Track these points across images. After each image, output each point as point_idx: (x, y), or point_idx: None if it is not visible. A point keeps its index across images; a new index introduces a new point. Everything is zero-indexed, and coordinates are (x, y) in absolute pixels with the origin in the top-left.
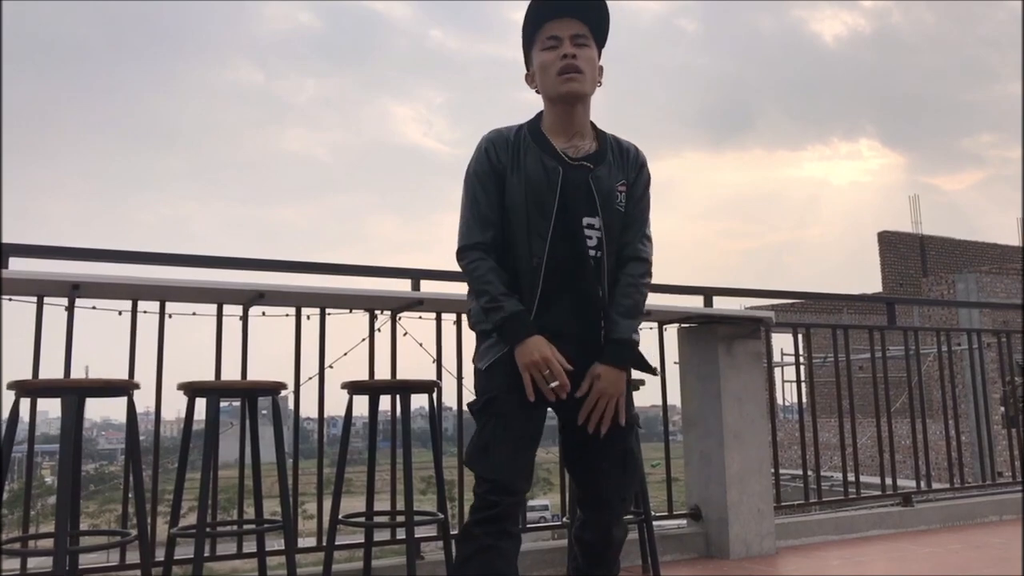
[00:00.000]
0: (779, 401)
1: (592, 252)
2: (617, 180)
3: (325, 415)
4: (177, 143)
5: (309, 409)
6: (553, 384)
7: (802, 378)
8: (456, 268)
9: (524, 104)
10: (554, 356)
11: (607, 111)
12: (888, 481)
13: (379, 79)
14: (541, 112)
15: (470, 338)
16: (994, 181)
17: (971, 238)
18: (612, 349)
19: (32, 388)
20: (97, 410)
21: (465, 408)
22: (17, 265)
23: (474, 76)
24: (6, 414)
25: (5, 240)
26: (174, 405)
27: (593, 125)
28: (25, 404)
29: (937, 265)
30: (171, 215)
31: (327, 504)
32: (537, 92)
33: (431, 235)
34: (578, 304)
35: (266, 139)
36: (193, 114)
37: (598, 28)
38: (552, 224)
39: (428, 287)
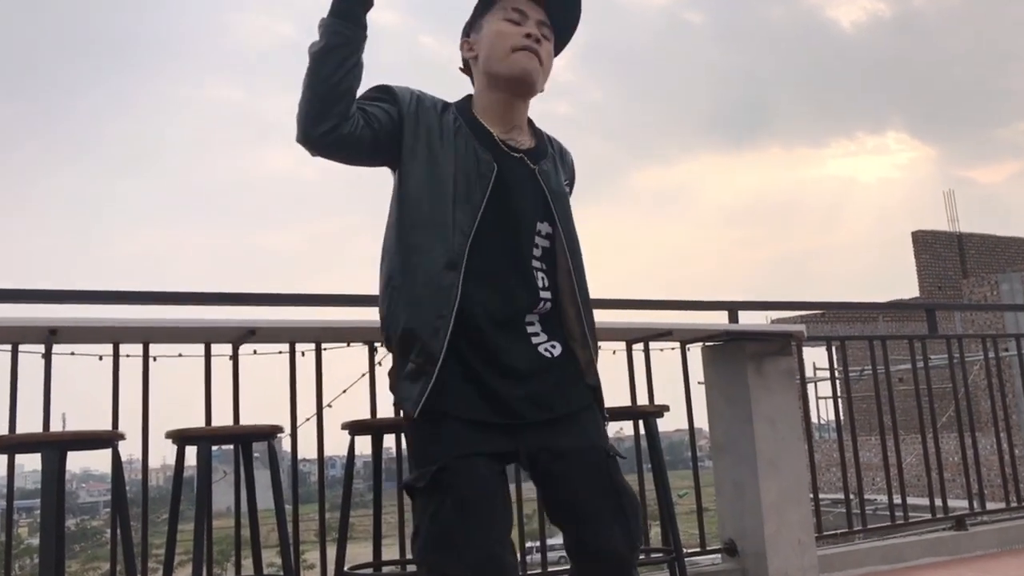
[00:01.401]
0: (814, 420)
1: (538, 263)
2: (564, 179)
3: (325, 454)
4: (153, 168)
5: (306, 450)
6: None
7: (839, 394)
8: None
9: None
10: None
11: (615, 116)
12: (938, 503)
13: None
14: (469, 96)
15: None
16: None
17: (1013, 234)
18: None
19: (9, 444)
20: (77, 460)
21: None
22: None
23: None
24: None
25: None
26: (159, 451)
27: (530, 121)
28: (1, 460)
29: (978, 265)
30: (149, 245)
31: (330, 552)
32: (462, 69)
33: None
34: (515, 316)
35: (249, 160)
36: (169, 136)
37: (563, 28)
38: (477, 220)
39: None
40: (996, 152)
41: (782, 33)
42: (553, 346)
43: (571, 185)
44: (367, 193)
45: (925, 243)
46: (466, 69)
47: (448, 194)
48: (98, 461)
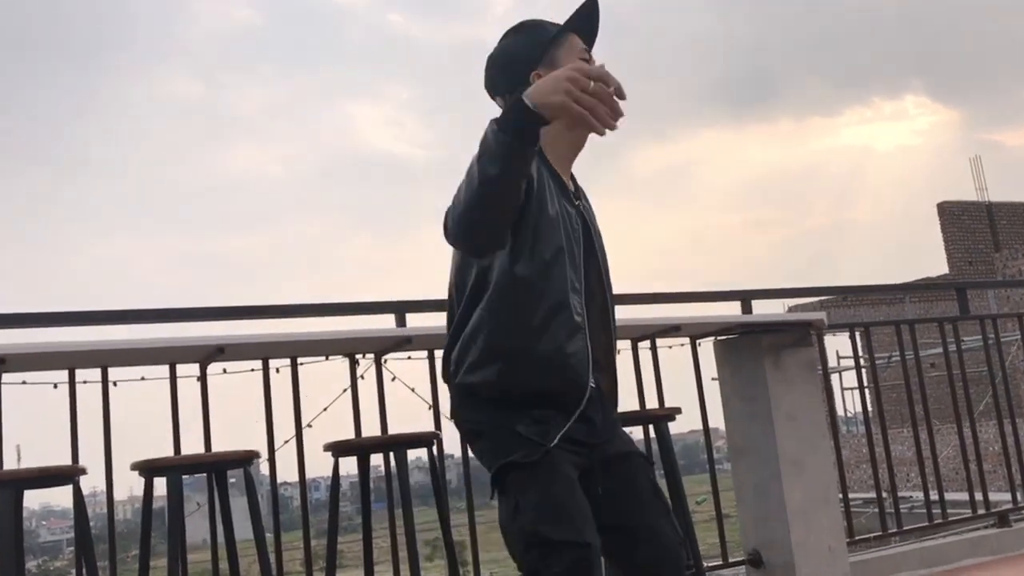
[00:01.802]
0: (840, 413)
1: (576, 300)
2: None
3: (307, 477)
4: (105, 171)
5: (286, 473)
6: (611, 88)
7: (865, 384)
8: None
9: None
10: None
11: None
12: (978, 497)
13: (335, 79)
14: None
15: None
16: None
17: None
18: None
19: None
20: (36, 496)
21: (474, 461)
22: None
23: (445, 64)
24: None
25: None
26: (126, 481)
27: None
28: None
29: (1010, 236)
30: (105, 256)
31: None
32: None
33: (413, 253)
34: (605, 358)
35: (210, 159)
36: (121, 136)
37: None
38: (583, 276)
39: (416, 321)
40: (1021, 112)
41: None
42: (596, 379)
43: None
44: (340, 192)
45: (952, 215)
46: None
47: (560, 248)
48: (59, 496)
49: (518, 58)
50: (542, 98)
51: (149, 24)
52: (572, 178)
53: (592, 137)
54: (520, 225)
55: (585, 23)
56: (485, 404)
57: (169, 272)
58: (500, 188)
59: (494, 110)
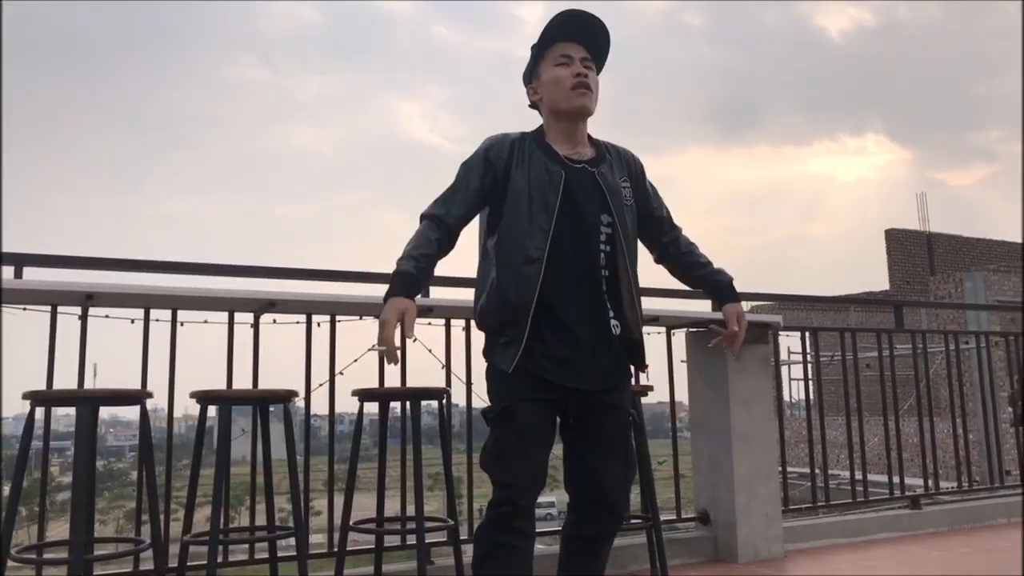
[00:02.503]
0: (785, 398)
1: (602, 247)
2: (620, 176)
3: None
4: (183, 139)
5: (317, 409)
6: (379, 348)
7: (809, 377)
8: (465, 274)
9: (526, 101)
10: (396, 323)
11: (612, 106)
12: (896, 480)
13: (383, 76)
14: (541, 126)
15: (479, 344)
16: (1002, 177)
17: (979, 235)
18: (731, 290)
19: (47, 398)
20: (106, 408)
21: (476, 411)
22: (31, 275)
23: (477, 72)
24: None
25: (19, 249)
26: (180, 405)
27: (590, 136)
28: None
29: (944, 263)
30: (177, 211)
31: (337, 503)
32: (531, 106)
33: None
34: (589, 303)
35: (272, 136)
36: (199, 111)
37: (601, 56)
38: (554, 219)
39: (437, 294)
40: (967, 157)
41: (774, 38)
42: (617, 324)
43: (636, 175)
44: (379, 172)
45: (897, 240)
46: (534, 107)
47: (525, 205)
48: (126, 410)
49: (527, 67)
50: (384, 310)
51: (229, 19)
52: (596, 145)
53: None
54: (497, 202)
55: (570, 29)
56: (485, 335)
57: (230, 227)
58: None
59: (513, 113)
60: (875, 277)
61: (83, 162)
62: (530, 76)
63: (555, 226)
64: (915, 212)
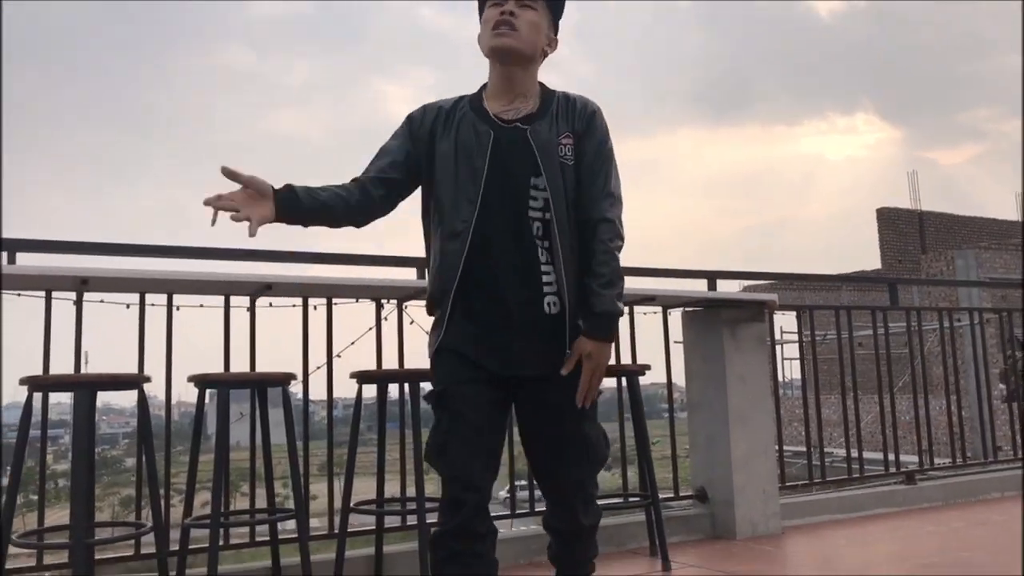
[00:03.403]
0: (780, 378)
1: (537, 215)
2: (560, 132)
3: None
4: (168, 128)
5: (313, 394)
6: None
7: (806, 356)
8: None
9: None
10: (245, 192)
11: (601, 89)
12: (891, 457)
13: (370, 60)
14: (484, 84)
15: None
16: (991, 155)
17: (969, 213)
18: (597, 322)
19: (45, 383)
20: (99, 395)
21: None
22: (25, 260)
23: (465, 55)
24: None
25: (10, 235)
26: (174, 390)
27: (543, 87)
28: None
29: (936, 241)
30: (166, 201)
31: (336, 487)
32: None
33: None
34: (520, 271)
35: (260, 121)
36: (183, 98)
37: None
38: (482, 188)
39: None
40: (957, 136)
41: (764, 19)
42: (554, 302)
43: (581, 130)
44: (369, 150)
45: (888, 219)
46: None
47: (452, 175)
48: (118, 397)
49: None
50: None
51: (215, 8)
52: (546, 98)
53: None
54: (424, 173)
55: None
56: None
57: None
58: (306, 227)
59: None
60: (867, 256)
61: (73, 154)
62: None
63: (483, 194)
64: (906, 191)
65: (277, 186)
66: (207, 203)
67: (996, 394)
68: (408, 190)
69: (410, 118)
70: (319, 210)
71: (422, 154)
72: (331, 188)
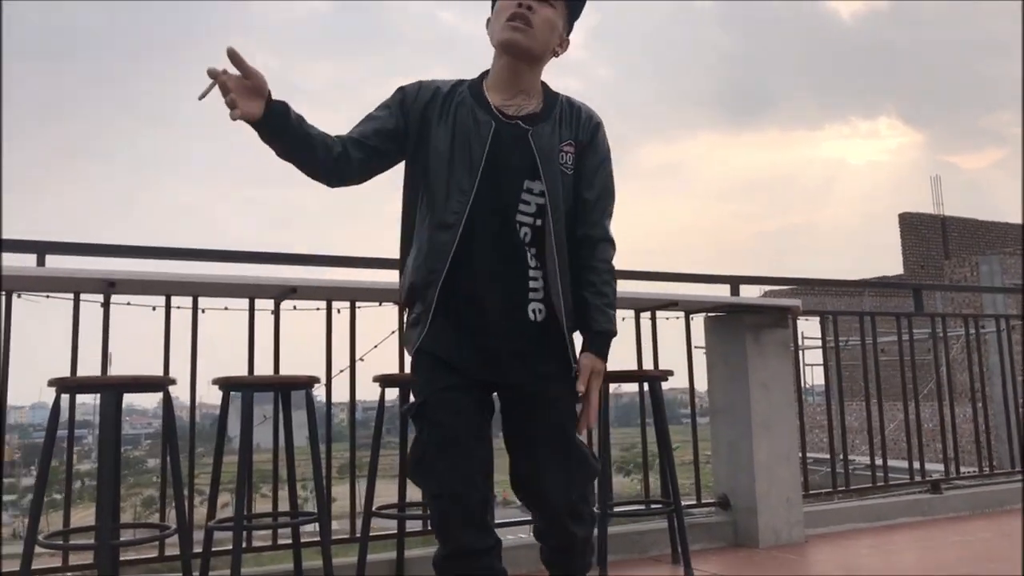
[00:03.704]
0: (802, 384)
1: (527, 219)
2: (563, 139)
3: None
4: (193, 128)
5: (337, 398)
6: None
7: (830, 362)
8: None
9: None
10: (235, 74)
11: (619, 92)
12: (916, 466)
13: (391, 62)
14: (485, 71)
15: None
16: (1015, 159)
17: (993, 218)
18: (601, 340)
19: (72, 385)
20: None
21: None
22: (53, 263)
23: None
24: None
25: (41, 238)
26: (197, 392)
27: (545, 87)
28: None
29: (959, 247)
30: (187, 202)
31: (358, 489)
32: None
33: None
34: (502, 275)
35: None
36: (210, 101)
37: None
38: (478, 179)
39: None
40: (980, 140)
41: (785, 21)
42: (540, 308)
43: (584, 140)
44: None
45: (911, 224)
46: None
47: (445, 159)
48: (140, 398)
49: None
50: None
51: (238, 10)
52: (549, 100)
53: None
54: (410, 152)
55: None
56: (410, 315)
57: (243, 215)
58: (281, 155)
59: None
60: (888, 262)
61: (99, 153)
62: (492, 8)
63: (478, 186)
64: (928, 195)
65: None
66: (211, 72)
67: (1022, 403)
68: (387, 162)
69: (403, 90)
70: (302, 139)
71: (412, 131)
72: (319, 130)
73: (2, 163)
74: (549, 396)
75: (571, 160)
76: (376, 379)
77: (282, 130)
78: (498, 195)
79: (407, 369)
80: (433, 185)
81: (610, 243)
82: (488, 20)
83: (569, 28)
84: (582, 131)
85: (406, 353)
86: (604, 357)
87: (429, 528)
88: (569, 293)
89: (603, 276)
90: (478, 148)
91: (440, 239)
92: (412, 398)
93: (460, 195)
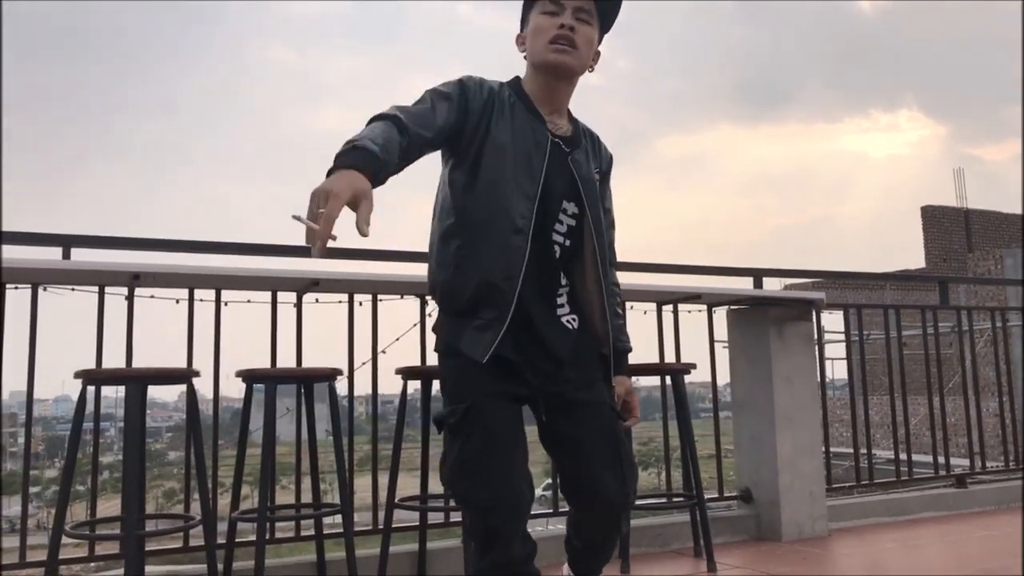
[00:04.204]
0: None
1: (559, 239)
2: (593, 167)
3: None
4: (211, 123)
5: (358, 391)
6: (307, 221)
7: (853, 356)
8: None
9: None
10: (346, 199)
11: (641, 85)
12: (940, 460)
13: (408, 56)
14: (518, 77)
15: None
16: None
17: (1016, 211)
18: (624, 362)
19: (98, 377)
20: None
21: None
22: (79, 256)
23: (504, 52)
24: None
25: (67, 231)
26: (224, 383)
27: (568, 111)
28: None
29: (982, 240)
30: (208, 195)
31: (380, 482)
32: (525, 57)
33: None
34: (541, 286)
35: (302, 118)
36: (229, 97)
37: (604, 10)
38: (540, 186)
39: None
40: (1002, 131)
41: (805, 14)
42: (573, 319)
43: (604, 173)
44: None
45: (933, 218)
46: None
47: (509, 162)
48: (162, 391)
49: (522, 13)
50: (321, 187)
51: (257, 5)
52: (575, 124)
53: (623, 122)
54: (463, 148)
55: None
56: (446, 317)
57: (261, 210)
58: None
59: None
60: (911, 255)
61: (122, 149)
62: (522, 24)
63: (541, 193)
64: (949, 188)
65: (364, 171)
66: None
67: None
68: (431, 151)
69: (464, 86)
70: (395, 166)
71: (471, 129)
72: (395, 143)
73: (2, 163)
74: (594, 399)
75: (599, 189)
76: (398, 371)
77: (385, 176)
78: (546, 209)
79: (429, 361)
80: (495, 186)
81: (615, 268)
82: (519, 36)
83: (600, 42)
84: (604, 162)
85: (434, 347)
86: (628, 375)
87: (451, 520)
88: (614, 302)
89: (619, 300)
90: (538, 158)
91: (514, 243)
92: (443, 401)
93: (526, 200)
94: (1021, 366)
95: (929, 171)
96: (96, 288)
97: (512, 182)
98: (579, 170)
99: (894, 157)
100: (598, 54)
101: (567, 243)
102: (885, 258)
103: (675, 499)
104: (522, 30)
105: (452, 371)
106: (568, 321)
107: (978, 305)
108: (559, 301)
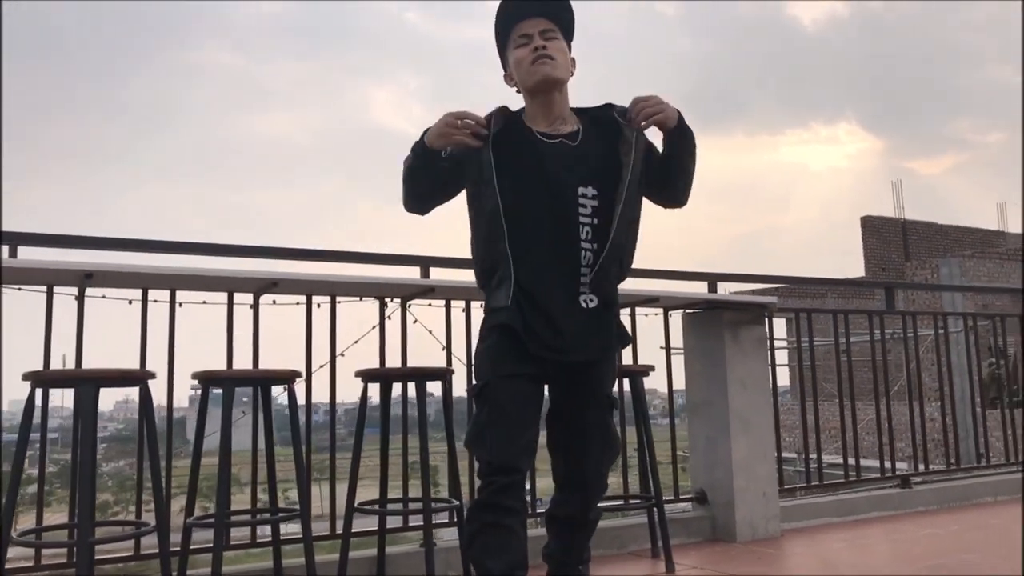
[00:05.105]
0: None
1: (585, 220)
2: (617, 141)
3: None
4: (152, 127)
5: (317, 396)
6: (468, 122)
7: (803, 361)
8: (466, 255)
9: (498, 88)
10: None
11: (590, 95)
12: (887, 464)
13: (354, 62)
14: (523, 108)
15: (479, 325)
16: (971, 166)
17: (951, 222)
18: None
19: (48, 379)
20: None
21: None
22: (26, 254)
23: (450, 60)
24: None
25: (11, 228)
26: (164, 389)
27: (573, 109)
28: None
29: (919, 250)
30: (148, 199)
31: (339, 490)
32: (518, 91)
33: (434, 217)
34: (563, 275)
35: (245, 122)
36: (170, 98)
37: (564, 24)
38: (547, 181)
39: (437, 274)
40: (937, 146)
41: (748, 27)
42: (591, 299)
43: (638, 139)
44: (352, 159)
45: (872, 228)
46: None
47: (517, 175)
48: (103, 397)
49: (501, 61)
50: (432, 140)
51: (201, 8)
52: (581, 117)
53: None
54: (480, 176)
55: (521, 6)
56: (485, 289)
57: (202, 216)
58: (413, 175)
59: (485, 100)
60: (850, 264)
61: (66, 149)
62: (504, 65)
63: (512, 200)
64: (886, 200)
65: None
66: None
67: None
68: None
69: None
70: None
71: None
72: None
73: (2, 163)
74: (599, 372)
75: (630, 156)
76: (358, 374)
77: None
78: (548, 202)
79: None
80: (519, 192)
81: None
82: (505, 76)
83: (571, 50)
84: (625, 129)
85: (477, 344)
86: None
87: (410, 525)
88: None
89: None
90: (532, 159)
91: (498, 226)
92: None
93: (530, 196)
94: (966, 370)
95: (867, 183)
96: (44, 288)
97: (525, 185)
98: (594, 151)
99: (834, 169)
100: (574, 61)
101: (595, 221)
102: (827, 266)
103: (631, 500)
104: (506, 70)
105: (477, 356)
106: (585, 300)
107: (921, 310)
108: (583, 280)
